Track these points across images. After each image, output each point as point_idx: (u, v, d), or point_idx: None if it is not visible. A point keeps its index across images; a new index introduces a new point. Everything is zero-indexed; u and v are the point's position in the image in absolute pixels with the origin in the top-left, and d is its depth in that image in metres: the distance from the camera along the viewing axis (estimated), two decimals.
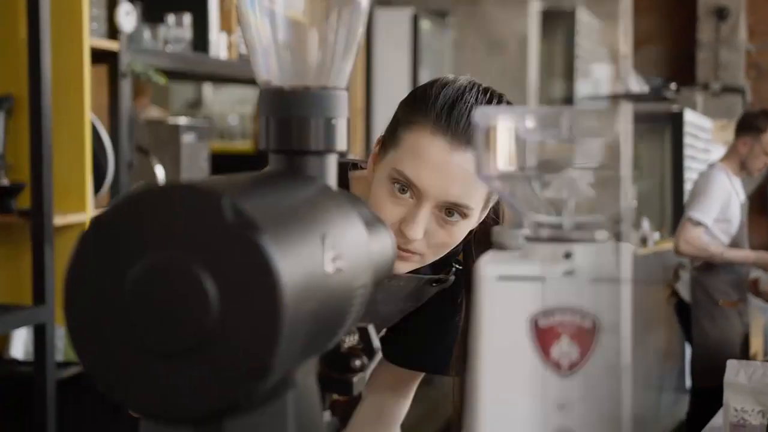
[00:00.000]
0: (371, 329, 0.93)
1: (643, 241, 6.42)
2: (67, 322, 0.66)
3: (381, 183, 1.29)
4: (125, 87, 2.80)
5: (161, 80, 2.88)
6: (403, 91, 6.69)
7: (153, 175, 3.07)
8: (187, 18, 3.18)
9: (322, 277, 0.70)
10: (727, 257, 4.38)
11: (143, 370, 0.65)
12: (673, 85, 6.82)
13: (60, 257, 2.51)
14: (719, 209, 4.33)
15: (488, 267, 0.72)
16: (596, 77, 5.83)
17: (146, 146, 3.17)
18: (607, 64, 5.86)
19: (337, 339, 0.78)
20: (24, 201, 2.54)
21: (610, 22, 8.91)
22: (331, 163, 0.86)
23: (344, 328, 0.78)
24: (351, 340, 0.93)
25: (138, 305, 0.64)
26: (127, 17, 2.77)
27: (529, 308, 0.72)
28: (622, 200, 0.74)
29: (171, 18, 3.17)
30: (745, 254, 4.46)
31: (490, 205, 1.35)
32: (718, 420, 2.16)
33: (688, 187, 7.52)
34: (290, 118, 0.84)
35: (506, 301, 0.72)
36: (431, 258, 1.32)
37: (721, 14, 9.52)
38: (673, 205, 7.48)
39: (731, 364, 1.96)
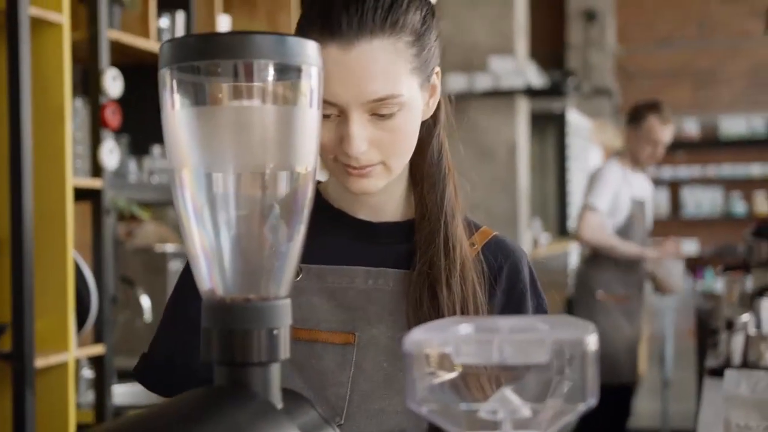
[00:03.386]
0: None
1: (535, 243, 6.38)
2: None
3: None
4: (108, 223, 2.82)
5: (144, 215, 2.91)
6: None
7: (138, 305, 3.07)
8: None
9: None
10: (621, 250, 4.38)
11: None
12: (571, 80, 6.80)
13: (41, 400, 2.50)
14: (611, 199, 4.38)
15: None
16: (495, 71, 5.87)
17: (131, 276, 3.18)
18: (508, 57, 5.87)
19: None
20: (5, 342, 2.53)
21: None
22: (274, 372, 0.86)
23: None
24: None
25: None
26: (111, 155, 2.81)
27: None
28: None
29: (156, 149, 3.22)
30: (638, 250, 4.44)
31: (434, 73, 1.25)
32: None
33: (571, 188, 7.57)
34: (232, 330, 0.84)
35: None
36: (396, 164, 1.22)
37: (589, 17, 9.75)
38: (558, 206, 7.49)
39: (730, 375, 1.78)
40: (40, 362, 2.53)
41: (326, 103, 1.16)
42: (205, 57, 0.83)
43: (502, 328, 0.77)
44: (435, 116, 1.31)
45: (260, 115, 0.85)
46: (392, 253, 1.31)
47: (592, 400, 0.74)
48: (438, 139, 1.31)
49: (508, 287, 1.32)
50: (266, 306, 0.85)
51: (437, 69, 1.27)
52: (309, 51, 0.85)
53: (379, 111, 1.18)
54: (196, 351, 1.17)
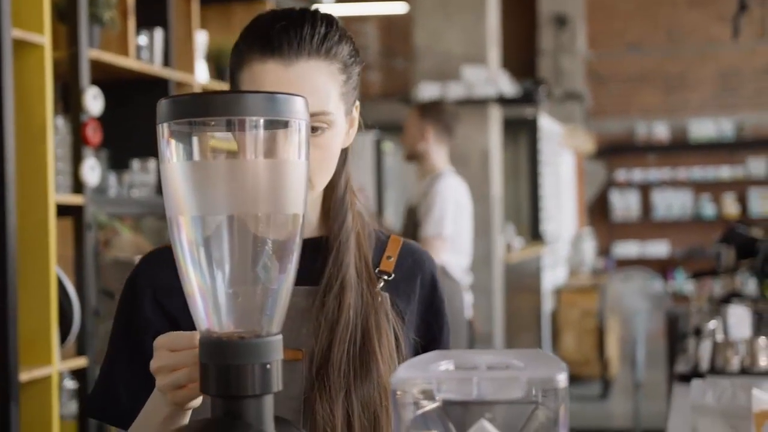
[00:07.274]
0: None
1: (508, 247, 6.39)
2: None
3: None
4: (90, 238, 2.87)
5: (124, 230, 2.96)
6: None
7: None
8: (152, 163, 3.27)
9: None
10: None
11: None
12: (542, 88, 6.81)
13: (26, 413, 2.54)
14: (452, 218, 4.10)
15: None
16: (468, 80, 5.88)
17: (111, 288, 3.22)
18: (481, 67, 5.91)
19: None
20: None
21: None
22: (268, 403, 0.92)
23: None
24: None
25: None
26: (92, 172, 2.86)
27: None
28: None
29: (136, 163, 3.27)
30: None
31: (354, 106, 1.34)
32: None
33: (543, 192, 7.68)
34: (228, 365, 0.90)
35: None
36: (319, 182, 1.29)
37: (560, 22, 9.85)
38: (531, 210, 7.63)
39: (696, 384, 1.83)
40: (24, 376, 2.58)
41: None
42: (200, 114, 0.90)
43: (480, 366, 0.84)
44: (347, 151, 1.38)
45: (252, 167, 0.91)
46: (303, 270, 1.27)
47: (563, 431, 0.81)
48: (346, 174, 1.39)
49: (425, 295, 1.41)
50: (259, 342, 0.91)
51: (357, 103, 1.37)
52: (297, 107, 0.92)
53: (312, 129, 1.25)
54: (147, 380, 1.19)
